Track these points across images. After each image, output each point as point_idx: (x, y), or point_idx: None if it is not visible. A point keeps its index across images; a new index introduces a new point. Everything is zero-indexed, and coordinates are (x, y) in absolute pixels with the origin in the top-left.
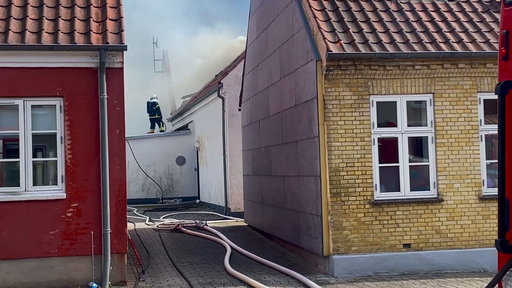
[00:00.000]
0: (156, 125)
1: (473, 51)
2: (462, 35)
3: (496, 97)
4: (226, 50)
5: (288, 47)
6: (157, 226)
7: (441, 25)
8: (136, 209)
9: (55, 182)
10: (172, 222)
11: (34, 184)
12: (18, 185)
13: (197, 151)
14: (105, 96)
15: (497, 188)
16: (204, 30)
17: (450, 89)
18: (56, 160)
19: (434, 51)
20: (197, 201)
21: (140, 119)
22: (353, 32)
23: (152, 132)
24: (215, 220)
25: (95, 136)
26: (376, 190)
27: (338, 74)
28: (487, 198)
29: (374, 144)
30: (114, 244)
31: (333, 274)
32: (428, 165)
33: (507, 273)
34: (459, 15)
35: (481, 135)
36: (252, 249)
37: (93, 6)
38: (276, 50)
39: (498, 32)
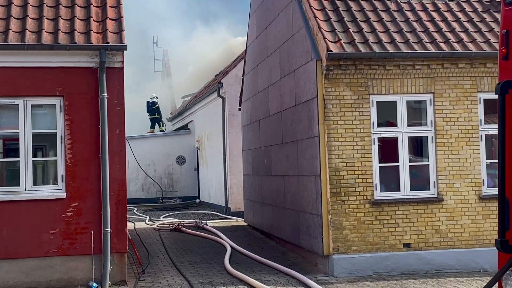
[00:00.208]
0: (156, 124)
1: (473, 50)
2: (462, 35)
3: (496, 96)
4: (226, 49)
5: (288, 46)
6: (157, 226)
7: (441, 24)
8: (136, 209)
9: (55, 182)
10: (172, 222)
11: (34, 183)
12: (18, 184)
13: (197, 150)
14: (105, 96)
15: (497, 188)
16: (204, 29)
17: (450, 88)
18: (56, 160)
19: (434, 50)
20: (197, 200)
21: (140, 119)
22: (353, 31)
23: (152, 132)
24: (215, 219)
25: (95, 135)
26: (376, 189)
27: (338, 74)
28: (487, 197)
29: (374, 143)
30: (114, 244)
31: (333, 274)
32: (428, 164)
33: (507, 272)
34: (459, 14)
35: (481, 135)
36: (252, 248)
37: (93, 6)
38: (276, 49)
39: (498, 31)
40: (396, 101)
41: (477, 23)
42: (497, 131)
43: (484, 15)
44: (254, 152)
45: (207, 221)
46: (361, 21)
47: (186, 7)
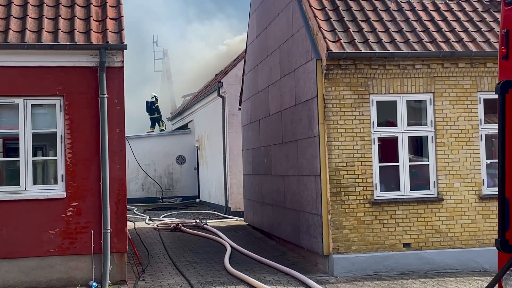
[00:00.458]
0: (156, 124)
1: (473, 50)
2: (462, 35)
3: (496, 96)
4: (226, 49)
5: (288, 46)
6: (157, 225)
7: (441, 24)
8: (136, 208)
9: (55, 181)
10: (172, 221)
11: (34, 183)
12: (18, 184)
13: (197, 150)
14: (105, 95)
15: (497, 188)
16: (205, 29)
17: (450, 88)
18: (56, 159)
19: (434, 50)
20: (197, 200)
21: (140, 119)
22: (353, 31)
23: (152, 131)
24: (215, 219)
25: (95, 135)
26: (376, 189)
27: (338, 74)
28: (487, 197)
29: (374, 143)
30: (114, 243)
31: (333, 274)
32: (428, 164)
33: (507, 272)
34: (459, 14)
35: (481, 135)
36: (252, 248)
37: (93, 5)
38: (276, 49)
39: (498, 31)
40: (396, 101)
41: (477, 22)
42: (497, 131)
43: (484, 15)
44: (254, 151)
45: (207, 221)
46: (361, 21)
47: (186, 6)
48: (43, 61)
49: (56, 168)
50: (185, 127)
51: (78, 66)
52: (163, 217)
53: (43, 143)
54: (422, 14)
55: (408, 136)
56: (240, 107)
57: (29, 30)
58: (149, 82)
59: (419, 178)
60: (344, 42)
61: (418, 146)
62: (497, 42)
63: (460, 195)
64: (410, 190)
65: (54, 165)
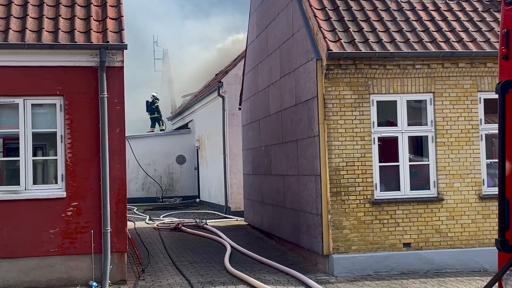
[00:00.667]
0: (156, 124)
1: (474, 50)
2: (463, 34)
3: (496, 96)
4: (226, 49)
5: (288, 46)
6: (157, 225)
7: (442, 24)
8: (136, 208)
9: (55, 181)
10: (172, 221)
11: (34, 183)
12: (18, 184)
13: (197, 150)
14: (105, 95)
15: (497, 188)
16: (205, 29)
17: (450, 88)
18: (56, 159)
19: (434, 50)
20: (197, 200)
21: (139, 119)
22: (353, 31)
23: (152, 131)
24: (215, 219)
25: (95, 135)
26: (376, 189)
27: (338, 73)
28: (487, 197)
29: (374, 143)
30: (114, 243)
31: (333, 273)
32: (428, 164)
33: (507, 272)
34: (460, 14)
35: (481, 135)
36: (252, 248)
37: (93, 5)
38: (276, 49)
39: (498, 31)
40: (396, 101)
41: (477, 22)
42: (497, 131)
43: (484, 15)
44: (254, 151)
45: (207, 221)
46: (361, 21)
47: (185, 6)
48: (43, 61)
49: (56, 167)
50: (185, 126)
51: (78, 66)
52: (163, 217)
53: (43, 142)
54: (422, 14)
55: (408, 136)
56: (240, 107)
57: (29, 30)
58: (149, 82)
59: (419, 178)
60: (344, 42)
61: (418, 146)
62: (497, 42)
63: (460, 195)
64: (410, 190)
65: (54, 165)
